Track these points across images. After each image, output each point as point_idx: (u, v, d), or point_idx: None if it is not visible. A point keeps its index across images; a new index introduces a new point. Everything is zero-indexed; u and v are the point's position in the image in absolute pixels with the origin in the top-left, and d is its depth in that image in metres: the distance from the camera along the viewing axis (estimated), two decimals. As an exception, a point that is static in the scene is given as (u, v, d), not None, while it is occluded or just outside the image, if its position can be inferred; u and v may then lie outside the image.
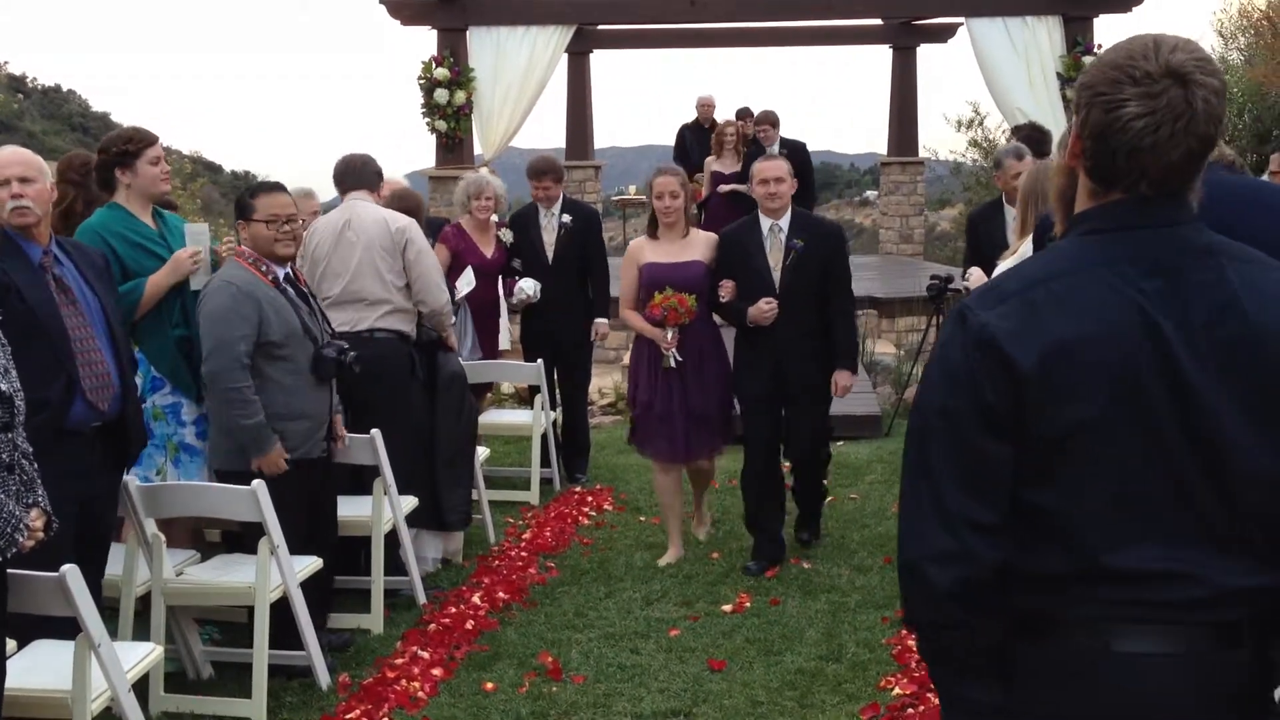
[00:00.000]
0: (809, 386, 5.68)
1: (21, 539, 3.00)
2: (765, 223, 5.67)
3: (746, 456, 5.84)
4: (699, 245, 5.78)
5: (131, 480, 4.28)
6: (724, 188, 11.13)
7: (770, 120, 11.20)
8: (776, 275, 5.61)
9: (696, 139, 12.82)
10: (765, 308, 5.53)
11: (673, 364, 5.66)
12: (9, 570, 3.18)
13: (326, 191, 5.40)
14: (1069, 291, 1.72)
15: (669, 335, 5.63)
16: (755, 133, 11.21)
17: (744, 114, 12.50)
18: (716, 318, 5.95)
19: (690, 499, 6.40)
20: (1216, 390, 1.69)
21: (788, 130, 11.43)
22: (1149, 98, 1.68)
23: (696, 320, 5.68)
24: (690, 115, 13.20)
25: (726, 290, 5.66)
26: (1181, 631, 1.69)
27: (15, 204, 3.86)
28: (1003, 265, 5.28)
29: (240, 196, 4.82)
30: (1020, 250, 5.11)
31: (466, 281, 6.71)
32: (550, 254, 7.20)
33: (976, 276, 5.56)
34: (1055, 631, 1.75)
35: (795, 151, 10.82)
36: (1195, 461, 1.69)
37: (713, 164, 11.36)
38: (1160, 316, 1.69)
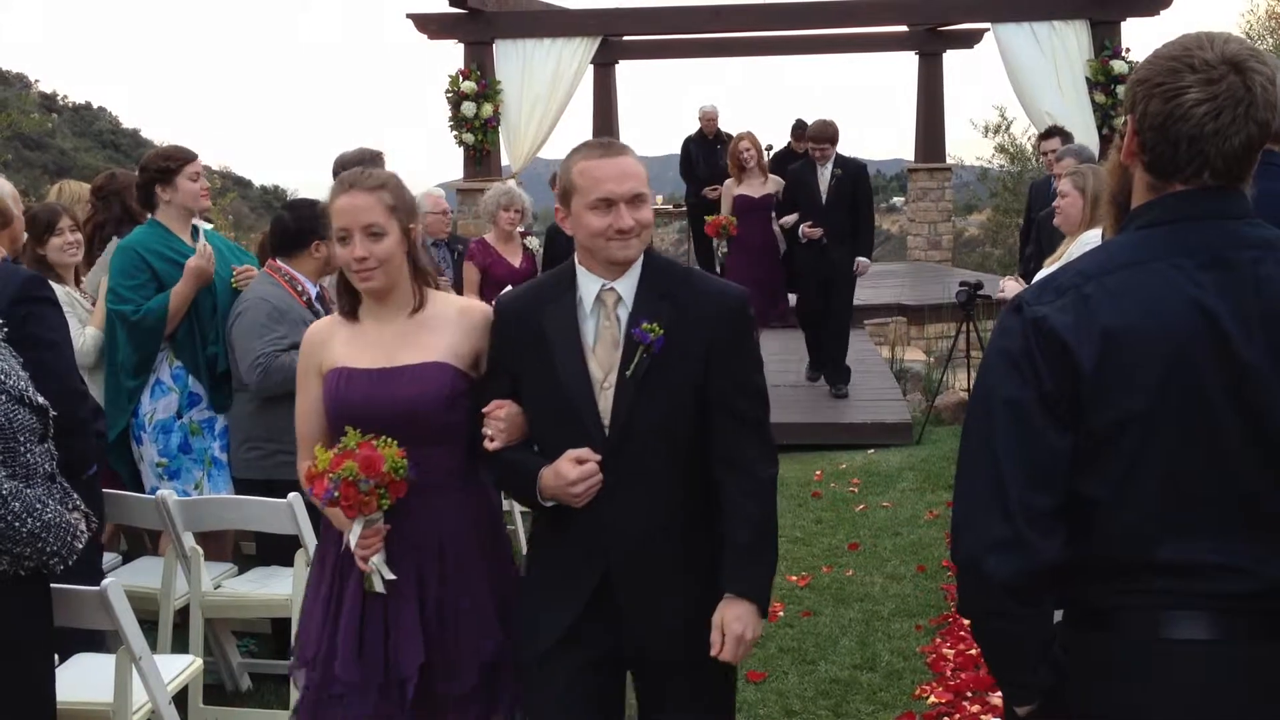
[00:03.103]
0: (676, 645, 2.61)
1: (79, 545, 3.05)
2: (588, 285, 2.63)
3: None
4: (445, 330, 2.81)
5: (170, 494, 4.32)
6: (785, 222, 8.90)
7: (829, 136, 8.66)
8: (605, 398, 2.59)
9: (701, 151, 12.63)
10: (573, 475, 2.53)
11: (379, 587, 2.74)
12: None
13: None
14: (1124, 286, 1.74)
15: (354, 532, 2.68)
16: (810, 151, 8.84)
17: (799, 129, 11.90)
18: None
19: None
20: (1275, 381, 1.69)
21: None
22: (1209, 83, 1.70)
23: (435, 489, 2.75)
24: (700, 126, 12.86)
25: (496, 426, 2.65)
26: (1233, 620, 1.70)
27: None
28: (1045, 272, 5.26)
29: (309, 217, 4.59)
30: (1064, 256, 5.09)
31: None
32: None
33: (1011, 287, 5.54)
34: (1107, 621, 1.77)
35: (851, 172, 8.76)
36: (1250, 453, 1.70)
37: (735, 188, 9.24)
38: (1218, 309, 1.70)
